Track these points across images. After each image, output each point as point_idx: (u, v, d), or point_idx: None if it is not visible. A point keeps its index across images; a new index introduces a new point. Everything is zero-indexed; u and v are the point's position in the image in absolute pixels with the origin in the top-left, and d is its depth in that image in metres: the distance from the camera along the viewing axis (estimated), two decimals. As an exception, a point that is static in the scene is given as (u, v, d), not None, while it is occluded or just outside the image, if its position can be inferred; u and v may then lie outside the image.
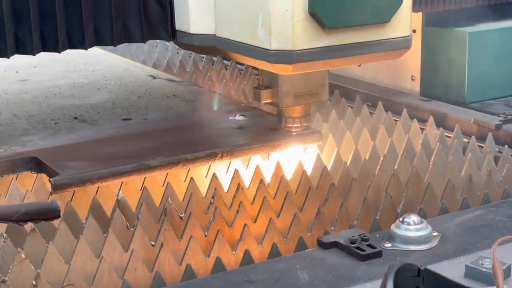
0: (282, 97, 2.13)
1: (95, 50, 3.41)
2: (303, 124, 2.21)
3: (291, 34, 1.85)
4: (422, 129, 2.53)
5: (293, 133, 2.21)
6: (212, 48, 2.09)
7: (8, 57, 2.02)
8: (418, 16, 2.94)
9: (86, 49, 2.08)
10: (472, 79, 2.85)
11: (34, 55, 2.04)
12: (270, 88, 2.15)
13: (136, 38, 2.13)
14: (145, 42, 2.15)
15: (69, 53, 3.18)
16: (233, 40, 2.00)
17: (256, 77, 2.62)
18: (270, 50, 1.89)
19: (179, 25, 2.13)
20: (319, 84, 2.16)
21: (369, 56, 2.01)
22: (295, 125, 2.21)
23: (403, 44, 2.02)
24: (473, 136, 2.43)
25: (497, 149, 2.42)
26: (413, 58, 3.00)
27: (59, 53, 2.06)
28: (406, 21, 1.99)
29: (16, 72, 3.04)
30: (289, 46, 1.87)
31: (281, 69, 1.94)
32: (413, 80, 3.01)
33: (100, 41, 2.10)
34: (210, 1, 2.04)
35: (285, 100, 2.13)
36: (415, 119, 2.57)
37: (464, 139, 2.50)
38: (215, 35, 2.06)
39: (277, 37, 1.86)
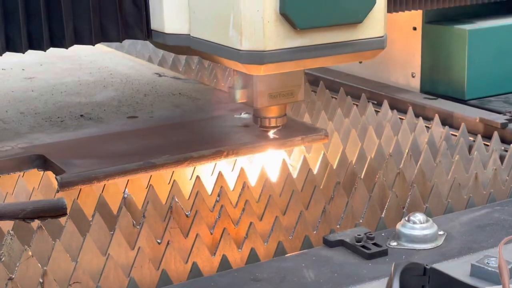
0: (256, 97, 2.11)
1: (101, 48, 3.41)
2: (278, 125, 2.19)
3: (262, 35, 1.84)
4: (427, 128, 2.53)
5: (271, 134, 2.20)
6: (187, 48, 2.08)
7: (1, 55, 2.05)
8: (419, 13, 2.97)
9: (67, 48, 2.12)
10: (472, 76, 2.87)
11: (23, 53, 2.08)
12: (245, 88, 2.14)
13: (112, 38, 2.16)
14: (121, 42, 2.17)
15: (75, 51, 3.20)
16: (206, 40, 1.99)
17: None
18: (241, 50, 1.87)
19: (154, 24, 2.13)
20: (294, 84, 2.14)
21: (342, 56, 1.98)
22: (270, 125, 2.18)
23: (377, 44, 1.99)
24: (479, 135, 2.44)
25: (503, 148, 2.43)
26: (413, 55, 3.02)
27: (45, 51, 2.10)
28: (380, 22, 1.97)
29: (23, 69, 3.04)
30: (260, 47, 1.85)
31: (252, 70, 1.92)
32: (413, 77, 3.02)
33: (79, 40, 2.13)
34: (184, 1, 2.04)
35: (260, 100, 2.11)
36: (420, 118, 2.57)
37: (470, 138, 2.50)
38: (189, 35, 2.05)
39: (248, 37, 1.85)
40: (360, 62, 3.21)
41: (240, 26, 1.86)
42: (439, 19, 2.98)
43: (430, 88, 2.97)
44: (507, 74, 2.94)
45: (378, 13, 1.96)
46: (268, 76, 2.08)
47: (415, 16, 2.97)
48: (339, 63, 2.06)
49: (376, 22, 1.97)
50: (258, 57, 1.87)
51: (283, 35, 1.87)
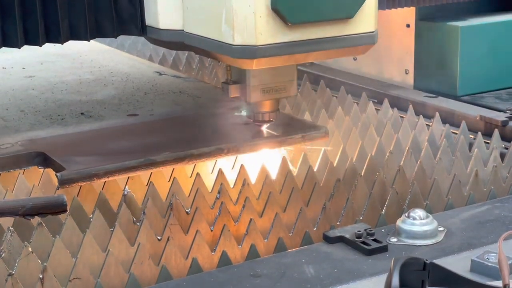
0: (250, 92, 2.13)
1: (101, 47, 3.42)
2: (271, 119, 2.21)
3: (253, 30, 1.86)
4: (428, 126, 2.53)
5: (264, 128, 2.23)
6: (181, 43, 2.10)
7: None
8: (412, 10, 2.99)
9: (62, 43, 2.15)
10: (464, 72, 2.90)
11: (19, 48, 2.09)
12: (239, 83, 2.15)
13: (108, 34, 2.18)
14: (116, 37, 2.19)
15: (76, 50, 3.21)
16: (199, 36, 2.02)
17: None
18: (233, 45, 1.90)
19: (148, 20, 2.15)
20: (287, 79, 2.16)
21: (333, 51, 2.01)
22: (264, 120, 2.20)
23: (368, 39, 2.01)
24: (479, 133, 2.43)
25: (503, 146, 2.42)
26: (407, 52, 3.03)
27: (40, 46, 2.12)
28: (370, 17, 1.99)
29: (23, 68, 3.04)
30: (252, 41, 1.88)
31: (245, 64, 1.95)
32: (407, 73, 3.04)
33: (74, 36, 2.16)
34: (178, -3, 2.07)
35: (253, 95, 2.13)
36: (421, 116, 2.57)
37: (470, 136, 2.50)
38: (183, 30, 2.08)
39: (240, 32, 1.88)
40: (355, 59, 3.23)
41: (232, 21, 1.88)
42: (432, 16, 3.00)
43: (423, 84, 2.99)
44: (499, 71, 2.97)
45: (369, 9, 1.98)
46: (260, 71, 2.10)
47: (408, 13, 2.99)
48: (330, 58, 2.09)
49: (367, 18, 1.99)
50: (250, 52, 1.89)
51: (274, 29, 1.89)
